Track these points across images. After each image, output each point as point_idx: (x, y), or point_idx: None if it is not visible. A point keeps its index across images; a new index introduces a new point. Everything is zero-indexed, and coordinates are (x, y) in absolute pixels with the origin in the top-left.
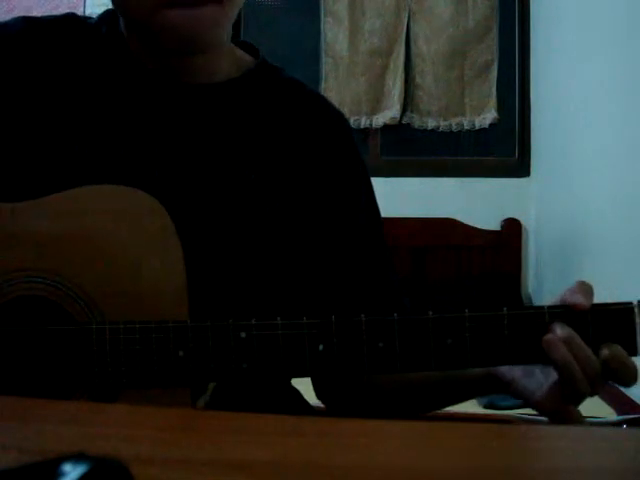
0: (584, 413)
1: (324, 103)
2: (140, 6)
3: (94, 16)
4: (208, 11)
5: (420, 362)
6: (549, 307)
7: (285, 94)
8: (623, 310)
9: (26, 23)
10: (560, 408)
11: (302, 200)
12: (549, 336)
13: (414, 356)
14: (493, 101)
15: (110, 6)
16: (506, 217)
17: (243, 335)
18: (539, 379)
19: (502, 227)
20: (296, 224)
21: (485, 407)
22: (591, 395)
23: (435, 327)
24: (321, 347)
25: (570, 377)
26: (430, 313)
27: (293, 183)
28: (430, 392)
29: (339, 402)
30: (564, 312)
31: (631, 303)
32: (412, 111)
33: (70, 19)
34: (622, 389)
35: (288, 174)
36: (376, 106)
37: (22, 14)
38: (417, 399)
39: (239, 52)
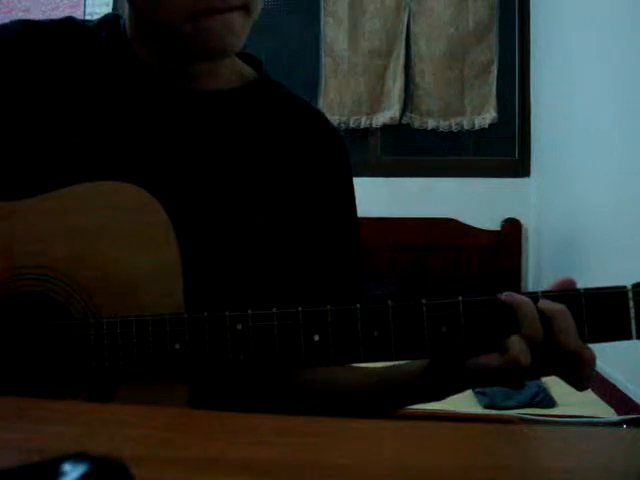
0: (584, 413)
1: (322, 120)
2: (175, 13)
3: (94, 17)
4: (237, 17)
5: (415, 350)
6: (543, 292)
7: (283, 108)
8: (617, 294)
9: (24, 26)
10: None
11: (290, 207)
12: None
13: (409, 344)
14: (493, 101)
15: (110, 7)
16: (506, 217)
17: (239, 327)
18: None
19: (502, 227)
20: (283, 228)
21: (485, 407)
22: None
23: (429, 314)
24: (316, 337)
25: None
26: (424, 300)
27: (283, 191)
28: (363, 397)
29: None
30: (558, 296)
31: (625, 287)
32: (412, 111)
33: (69, 23)
34: (622, 389)
35: (279, 182)
36: (376, 106)
37: (21, 14)
38: (343, 404)
39: (240, 63)
